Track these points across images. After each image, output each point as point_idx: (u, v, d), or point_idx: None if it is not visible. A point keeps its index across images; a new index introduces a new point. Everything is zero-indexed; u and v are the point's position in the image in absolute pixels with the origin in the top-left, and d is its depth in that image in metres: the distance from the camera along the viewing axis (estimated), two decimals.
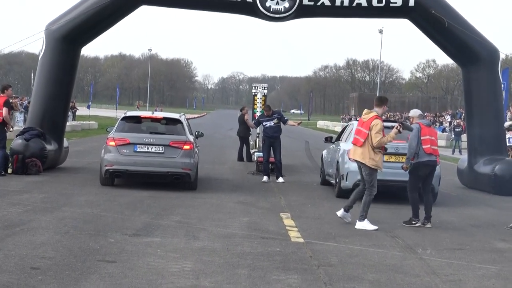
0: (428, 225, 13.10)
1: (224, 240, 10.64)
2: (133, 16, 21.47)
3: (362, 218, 12.63)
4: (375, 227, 12.44)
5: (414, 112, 14.15)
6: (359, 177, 16.03)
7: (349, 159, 13.79)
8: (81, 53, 21.82)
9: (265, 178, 20.30)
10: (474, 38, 19.95)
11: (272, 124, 20.38)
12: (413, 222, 13.15)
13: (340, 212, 13.05)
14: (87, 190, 16.05)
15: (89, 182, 17.59)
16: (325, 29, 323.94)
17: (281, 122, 20.57)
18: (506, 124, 14.13)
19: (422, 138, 13.30)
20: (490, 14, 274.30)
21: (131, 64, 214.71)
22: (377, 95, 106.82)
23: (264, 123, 20.56)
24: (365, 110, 13.11)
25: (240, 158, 27.55)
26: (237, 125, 28.58)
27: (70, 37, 20.16)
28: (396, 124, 13.34)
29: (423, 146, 13.29)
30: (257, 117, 22.70)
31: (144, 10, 41.57)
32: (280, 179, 20.17)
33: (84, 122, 55.16)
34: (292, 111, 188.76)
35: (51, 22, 20.40)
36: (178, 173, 16.64)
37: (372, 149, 12.64)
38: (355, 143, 12.93)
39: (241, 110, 28.35)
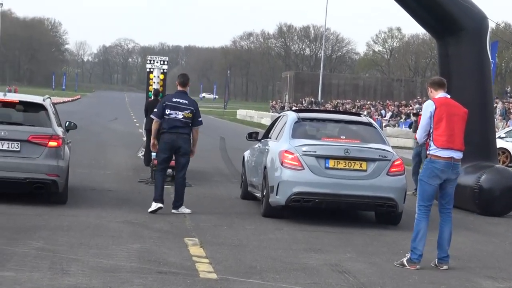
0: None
1: (105, 276, 10.59)
2: None
3: None
4: None
5: None
6: (295, 189, 15.95)
7: None
8: None
9: (153, 205, 16.68)
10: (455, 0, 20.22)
11: (181, 116, 16.65)
12: None
13: None
14: None
15: None
16: None
17: (193, 119, 16.75)
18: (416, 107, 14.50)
19: None
20: None
21: None
22: (321, 74, 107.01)
23: (168, 112, 16.68)
24: None
25: (148, 162, 24.35)
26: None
27: None
28: None
29: None
30: (160, 103, 17.61)
31: None
32: (183, 209, 16.94)
33: None
34: (202, 95, 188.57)
35: None
36: (41, 180, 16.45)
37: None
38: None
39: (154, 95, 27.10)
